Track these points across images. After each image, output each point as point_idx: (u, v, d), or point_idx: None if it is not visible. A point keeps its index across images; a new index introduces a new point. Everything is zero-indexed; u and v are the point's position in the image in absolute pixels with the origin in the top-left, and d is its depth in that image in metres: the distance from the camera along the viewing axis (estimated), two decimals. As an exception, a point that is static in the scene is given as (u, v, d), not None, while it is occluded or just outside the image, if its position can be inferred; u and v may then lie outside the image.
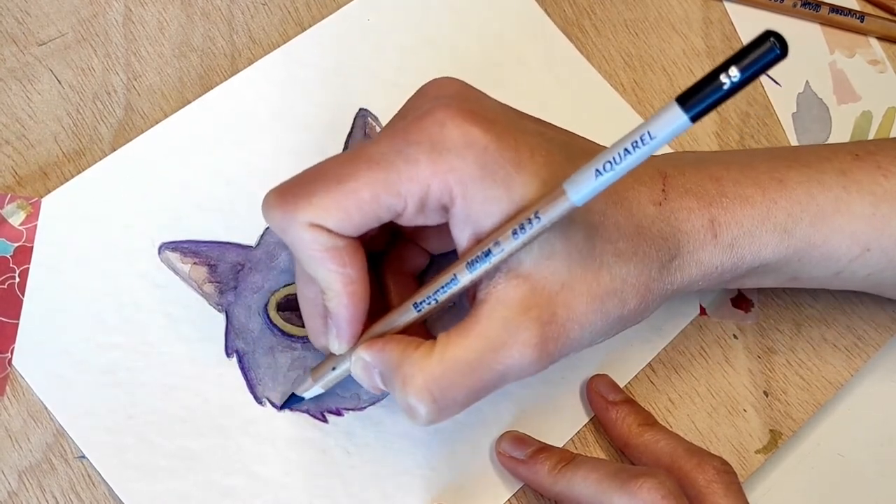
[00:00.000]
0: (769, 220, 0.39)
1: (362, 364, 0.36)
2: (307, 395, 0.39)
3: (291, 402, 0.40)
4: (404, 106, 0.37)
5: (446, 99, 0.34)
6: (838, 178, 0.40)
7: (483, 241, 0.33)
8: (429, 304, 0.35)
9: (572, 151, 0.36)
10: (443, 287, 0.34)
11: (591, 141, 0.39)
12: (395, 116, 0.37)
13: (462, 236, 0.34)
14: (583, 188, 0.30)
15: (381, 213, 0.34)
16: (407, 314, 0.35)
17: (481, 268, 0.33)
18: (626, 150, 0.29)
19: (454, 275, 0.34)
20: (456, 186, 0.33)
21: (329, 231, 0.33)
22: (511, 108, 0.37)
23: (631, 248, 0.36)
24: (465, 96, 0.35)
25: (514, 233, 0.32)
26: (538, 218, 0.32)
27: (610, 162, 0.29)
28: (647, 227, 0.37)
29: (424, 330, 0.40)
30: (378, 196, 0.33)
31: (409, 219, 0.34)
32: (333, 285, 0.35)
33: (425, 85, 0.37)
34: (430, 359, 0.34)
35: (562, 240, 0.34)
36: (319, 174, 0.34)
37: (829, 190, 0.39)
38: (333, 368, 0.38)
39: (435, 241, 0.40)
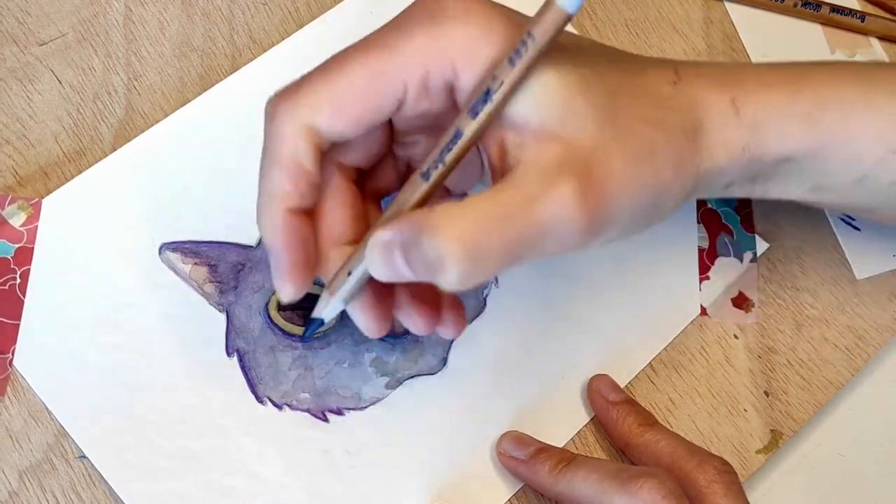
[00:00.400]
0: (794, 106, 0.37)
1: (381, 246, 0.31)
2: (327, 314, 0.36)
3: (311, 327, 0.37)
4: None
5: None
6: (861, 78, 0.38)
7: (480, 83, 0.30)
8: (436, 168, 0.31)
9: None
10: (448, 144, 0.31)
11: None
12: None
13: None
14: None
15: (382, 101, 0.32)
16: (415, 187, 0.32)
17: (485, 111, 0.30)
18: None
19: (457, 128, 0.31)
20: (459, 56, 0.31)
21: (309, 139, 0.31)
22: None
23: (655, 117, 0.34)
24: None
25: (510, 60, 0.29)
26: (531, 36, 0.29)
27: None
28: (666, 101, 0.35)
29: None
30: (375, 79, 0.31)
31: (413, 106, 0.32)
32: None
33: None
34: (462, 207, 0.30)
35: (584, 102, 0.32)
36: (313, 71, 0.32)
37: (855, 85, 0.38)
38: (349, 273, 0.34)
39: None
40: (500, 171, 0.32)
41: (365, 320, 0.35)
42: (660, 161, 0.33)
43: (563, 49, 0.32)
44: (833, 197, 0.40)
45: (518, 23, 0.32)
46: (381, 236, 0.31)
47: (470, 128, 0.30)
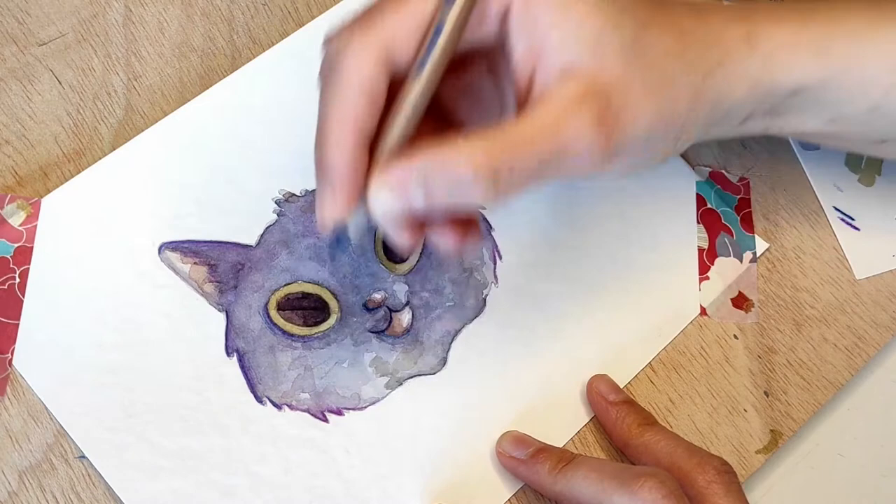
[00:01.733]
0: (804, 35, 0.39)
1: (395, 180, 0.33)
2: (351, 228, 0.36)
3: (340, 245, 0.40)
4: None
5: None
6: (869, 8, 0.40)
7: (430, 23, 0.33)
8: (426, 62, 0.33)
9: None
10: (432, 38, 0.33)
11: None
12: None
13: (518, 44, 0.34)
14: None
15: None
16: (409, 87, 0.33)
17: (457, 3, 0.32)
18: None
19: (439, 21, 0.33)
20: None
21: (385, 65, 0.33)
22: None
23: (678, 48, 0.36)
24: None
25: (446, 2, 0.32)
26: None
27: None
28: (690, 32, 0.37)
29: None
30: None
31: (470, 36, 0.34)
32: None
33: None
34: (489, 136, 0.33)
35: (614, 34, 0.35)
36: (376, 5, 0.34)
37: (862, 14, 0.40)
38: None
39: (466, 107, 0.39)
40: (525, 102, 0.35)
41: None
42: (677, 94, 0.36)
43: None
44: (849, 128, 0.41)
45: None
46: (400, 167, 0.33)
47: (450, 19, 0.32)
